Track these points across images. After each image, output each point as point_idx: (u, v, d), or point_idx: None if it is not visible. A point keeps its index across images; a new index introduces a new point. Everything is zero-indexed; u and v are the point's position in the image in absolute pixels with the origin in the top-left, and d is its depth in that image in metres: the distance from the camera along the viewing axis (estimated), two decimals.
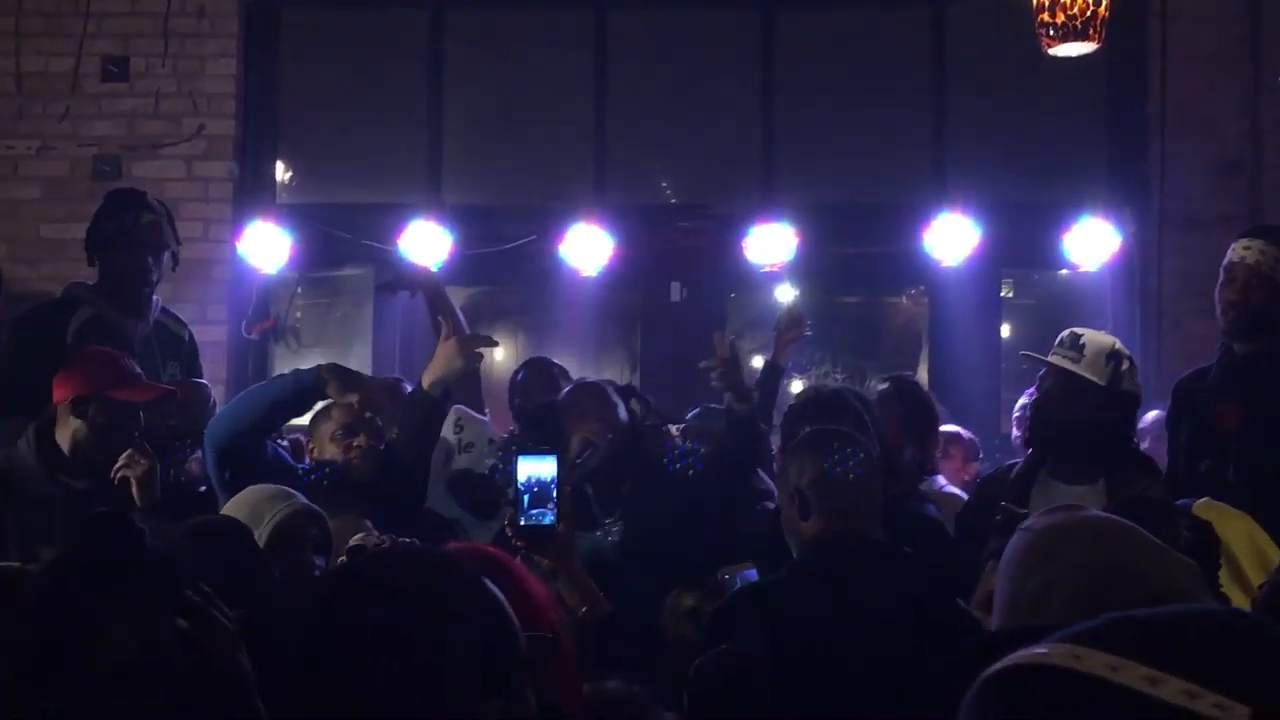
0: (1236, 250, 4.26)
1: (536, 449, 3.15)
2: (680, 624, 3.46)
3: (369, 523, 3.43)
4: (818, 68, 7.20)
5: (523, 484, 3.05)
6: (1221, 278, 4.28)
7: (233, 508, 3.42)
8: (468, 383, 4.70)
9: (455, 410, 4.59)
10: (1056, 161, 7.07)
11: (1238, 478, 4.02)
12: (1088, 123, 7.11)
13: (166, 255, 4.75)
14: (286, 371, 4.40)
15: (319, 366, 4.09)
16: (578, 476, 4.18)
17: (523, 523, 3.05)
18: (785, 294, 6.85)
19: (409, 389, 4.34)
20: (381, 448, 4.09)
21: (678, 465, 4.27)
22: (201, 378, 4.91)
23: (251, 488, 3.49)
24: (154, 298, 4.83)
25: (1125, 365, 3.95)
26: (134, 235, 4.67)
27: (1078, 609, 1.64)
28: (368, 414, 4.06)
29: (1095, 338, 4.03)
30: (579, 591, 3.12)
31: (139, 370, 4.19)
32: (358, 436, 4.04)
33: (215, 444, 3.95)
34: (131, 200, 4.83)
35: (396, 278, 5.41)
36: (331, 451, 4.06)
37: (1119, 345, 4.03)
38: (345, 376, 4.03)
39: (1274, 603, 2.47)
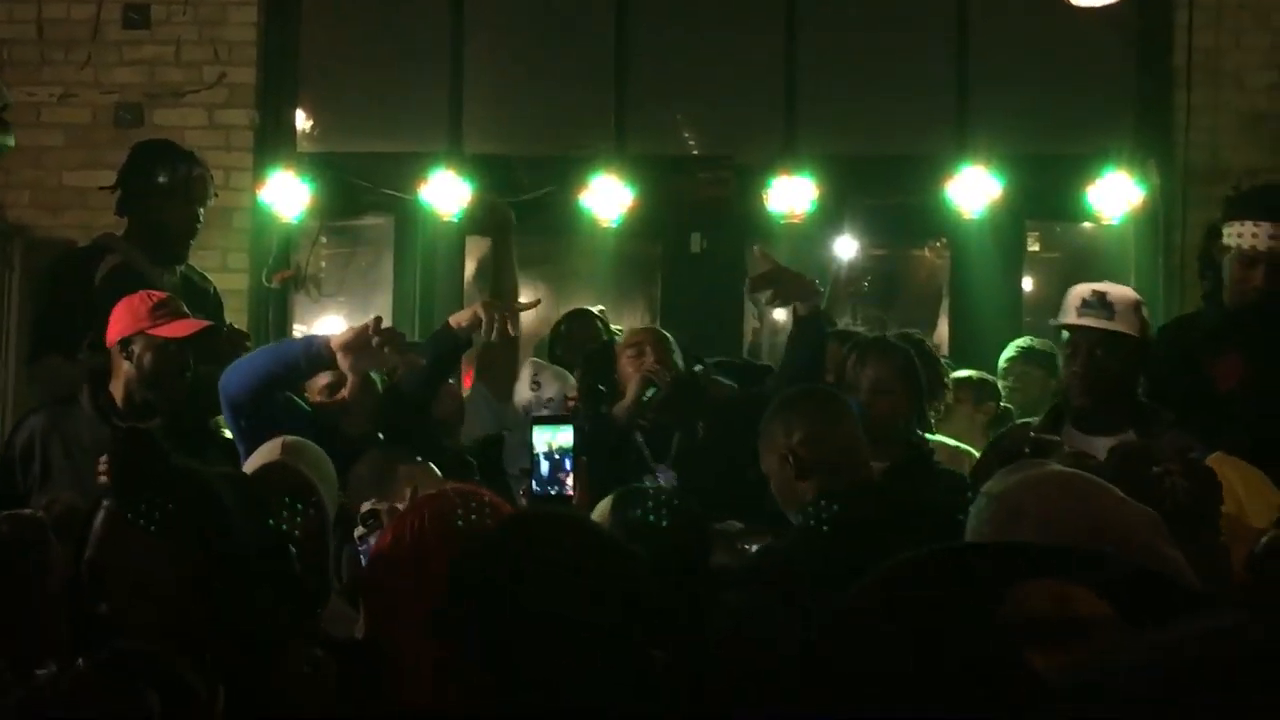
0: (1255, 235, 4.23)
1: (553, 418, 3.14)
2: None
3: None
4: (840, 17, 7.15)
5: (539, 452, 3.04)
6: (1234, 256, 4.24)
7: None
8: (505, 348, 4.75)
9: (531, 364, 4.61)
10: (1080, 113, 7.02)
11: (1239, 433, 4.01)
12: (1112, 74, 7.05)
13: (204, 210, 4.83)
14: (299, 336, 4.41)
15: (330, 339, 4.05)
16: (635, 416, 4.19)
17: (538, 491, 3.03)
18: (844, 247, 6.82)
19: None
20: (371, 399, 4.11)
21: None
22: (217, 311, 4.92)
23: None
24: None
25: (1146, 312, 4.00)
26: (188, 187, 4.73)
27: None
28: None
29: (1120, 293, 4.04)
30: None
31: (182, 306, 4.23)
32: (339, 392, 4.12)
33: (229, 398, 3.96)
34: (178, 154, 4.91)
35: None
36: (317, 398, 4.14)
37: (1137, 294, 4.06)
38: (353, 347, 4.02)
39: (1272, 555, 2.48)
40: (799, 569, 2.97)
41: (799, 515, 3.18)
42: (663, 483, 4.10)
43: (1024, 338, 5.91)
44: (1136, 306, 4.00)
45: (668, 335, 4.42)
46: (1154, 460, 2.64)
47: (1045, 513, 1.68)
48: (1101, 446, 3.81)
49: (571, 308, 5.79)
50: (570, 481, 3.04)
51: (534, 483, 3.05)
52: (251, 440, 3.61)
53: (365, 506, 3.21)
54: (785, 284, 4.15)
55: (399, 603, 2.24)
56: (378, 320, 3.87)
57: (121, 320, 4.23)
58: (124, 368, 4.20)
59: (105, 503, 2.26)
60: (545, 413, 4.58)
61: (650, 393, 4.15)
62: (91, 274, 4.66)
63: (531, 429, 3.10)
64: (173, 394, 4.18)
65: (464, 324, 4.13)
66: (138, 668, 1.88)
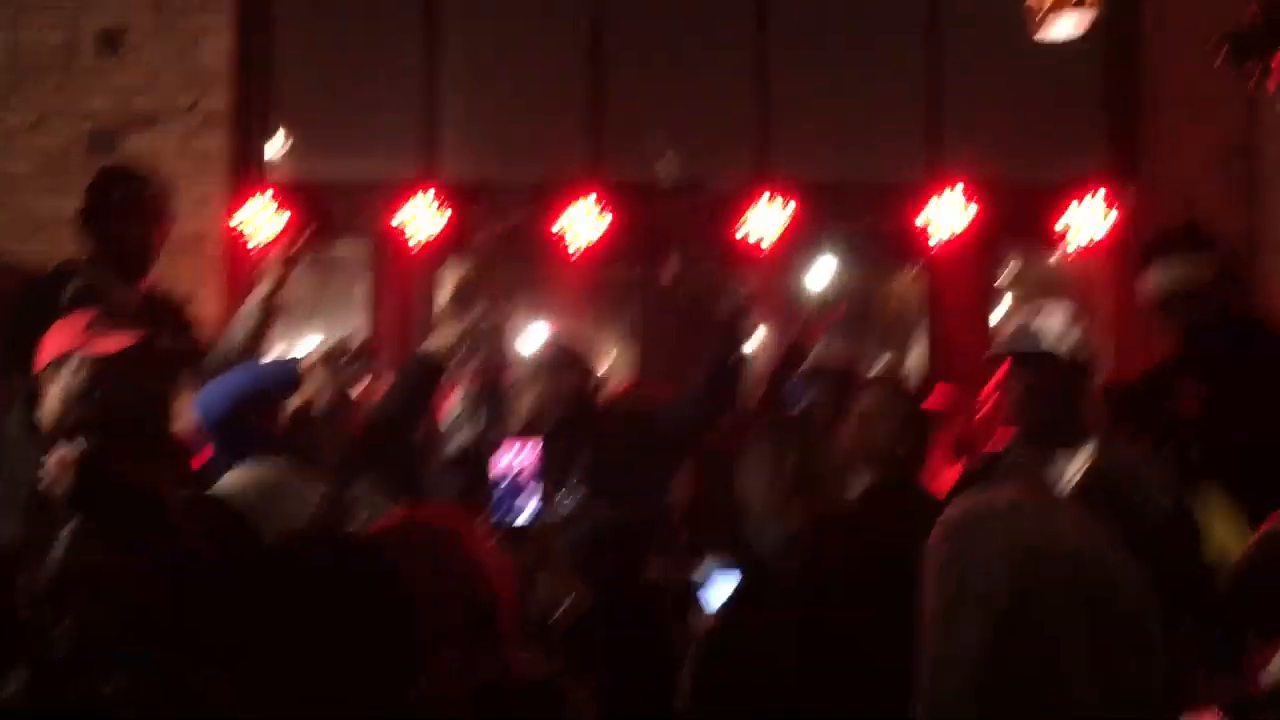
0: (1156, 283, 4.29)
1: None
2: None
3: None
4: (813, 44, 7.18)
5: (500, 477, 3.02)
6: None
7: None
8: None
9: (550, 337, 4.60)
10: (1053, 139, 7.06)
11: (1201, 458, 4.03)
12: (1084, 100, 7.10)
13: (165, 230, 4.81)
14: (276, 356, 4.42)
15: (305, 360, 4.19)
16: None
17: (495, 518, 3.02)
18: (818, 275, 6.83)
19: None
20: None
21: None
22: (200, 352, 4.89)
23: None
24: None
25: (1083, 327, 3.99)
26: (139, 205, 4.74)
27: (997, 581, 1.64)
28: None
29: (1046, 317, 4.05)
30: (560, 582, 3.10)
31: (113, 324, 4.23)
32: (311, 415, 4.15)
33: (203, 419, 4.02)
34: (131, 174, 4.91)
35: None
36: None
37: (1073, 311, 4.05)
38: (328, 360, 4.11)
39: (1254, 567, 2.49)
40: (779, 592, 2.97)
41: (778, 540, 3.19)
42: (565, 503, 4.08)
43: None
44: (1069, 327, 3.98)
45: (562, 358, 4.43)
46: (1132, 479, 2.64)
47: (996, 534, 1.68)
48: (1062, 459, 3.85)
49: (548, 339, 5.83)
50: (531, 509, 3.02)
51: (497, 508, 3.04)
52: (229, 458, 3.65)
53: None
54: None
55: None
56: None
57: (54, 343, 4.24)
58: (55, 389, 4.19)
59: (70, 524, 2.29)
60: None
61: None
62: (57, 297, 4.64)
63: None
64: (110, 409, 4.17)
65: (441, 345, 4.18)
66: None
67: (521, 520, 3.02)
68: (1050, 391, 3.89)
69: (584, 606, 3.05)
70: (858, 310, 8.41)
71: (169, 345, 4.52)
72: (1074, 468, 3.73)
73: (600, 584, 3.13)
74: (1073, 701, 1.60)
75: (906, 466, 3.96)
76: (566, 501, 4.11)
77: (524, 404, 4.36)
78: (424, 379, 4.21)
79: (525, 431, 4.19)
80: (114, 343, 4.16)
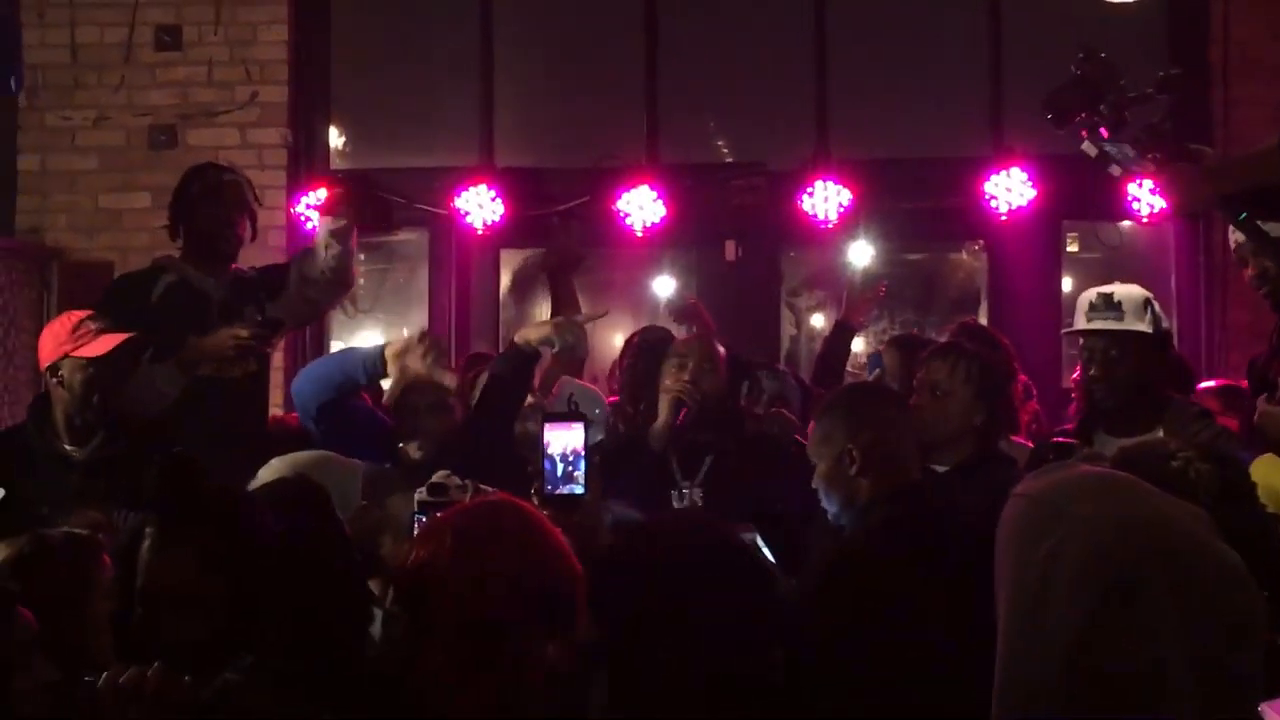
0: (1233, 235, 4.21)
1: (564, 416, 3.11)
2: None
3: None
4: (872, 20, 7.11)
5: (550, 452, 3.02)
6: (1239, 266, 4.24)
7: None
8: (570, 359, 4.79)
9: (566, 386, 4.64)
10: None
11: None
12: (1149, 70, 6.96)
13: (246, 217, 4.93)
14: (363, 346, 4.55)
15: (382, 347, 4.33)
16: (660, 442, 4.20)
17: (549, 491, 3.01)
18: (858, 252, 6.79)
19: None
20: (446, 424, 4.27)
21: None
22: (285, 283, 4.96)
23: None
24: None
25: (1158, 306, 3.95)
26: (219, 190, 4.87)
27: (1089, 571, 1.59)
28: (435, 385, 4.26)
29: (1127, 293, 4.01)
30: None
31: (105, 326, 4.33)
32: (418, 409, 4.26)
33: (301, 406, 4.25)
34: (211, 165, 5.11)
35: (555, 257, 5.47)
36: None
37: (1144, 290, 4.00)
38: (421, 350, 4.25)
39: None
40: (856, 566, 2.95)
41: (849, 515, 3.20)
42: (686, 500, 4.09)
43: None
44: (1146, 303, 3.95)
45: (715, 347, 4.38)
46: (1168, 455, 2.59)
47: (1086, 510, 1.63)
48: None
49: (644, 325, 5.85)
50: (581, 480, 3.01)
51: (545, 482, 3.02)
52: (332, 444, 3.83)
53: (435, 478, 3.23)
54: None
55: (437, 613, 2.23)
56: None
57: (46, 346, 4.39)
58: (59, 393, 4.34)
59: (149, 528, 2.32)
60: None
61: (673, 418, 4.17)
62: (149, 292, 4.79)
63: (543, 427, 3.07)
64: (105, 412, 4.28)
65: (533, 340, 4.24)
66: None
67: (576, 490, 3.01)
68: (1126, 369, 3.86)
69: None
70: (919, 287, 8.36)
71: (254, 328, 4.61)
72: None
73: None
74: (1169, 687, 1.55)
75: (986, 438, 3.91)
76: (686, 496, 4.12)
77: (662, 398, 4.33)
78: (519, 370, 4.23)
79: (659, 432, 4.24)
80: (100, 346, 4.24)
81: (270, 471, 3.26)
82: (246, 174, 6.21)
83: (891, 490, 3.16)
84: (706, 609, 1.99)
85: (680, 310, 5.77)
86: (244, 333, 4.55)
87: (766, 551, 3.16)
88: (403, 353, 4.24)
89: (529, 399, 4.42)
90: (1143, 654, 1.56)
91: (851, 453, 3.18)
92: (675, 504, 4.08)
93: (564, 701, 2.15)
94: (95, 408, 4.29)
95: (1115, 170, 3.61)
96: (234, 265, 4.92)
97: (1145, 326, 3.88)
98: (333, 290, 5.00)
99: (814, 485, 3.28)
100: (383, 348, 4.31)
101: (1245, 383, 4.36)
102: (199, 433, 4.36)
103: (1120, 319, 3.90)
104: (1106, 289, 4.03)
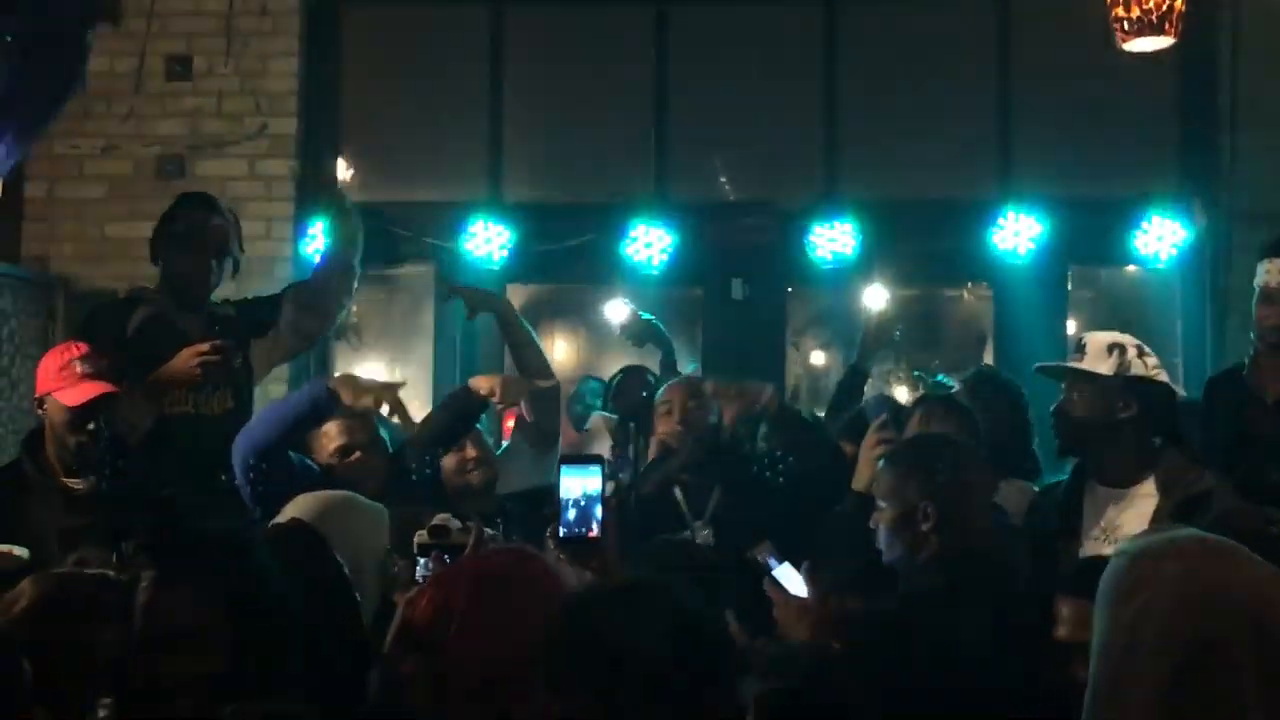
0: (1270, 273, 4.21)
1: (580, 459, 3.11)
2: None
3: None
4: (881, 61, 7.12)
5: (566, 495, 3.00)
6: (1257, 296, 4.24)
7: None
8: (546, 402, 4.79)
9: (601, 420, 4.65)
10: (1125, 155, 6.95)
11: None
12: (1157, 115, 6.99)
13: (229, 261, 4.86)
14: (302, 387, 4.43)
15: (331, 378, 4.33)
16: (657, 481, 4.21)
17: (564, 534, 2.99)
18: (873, 296, 6.79)
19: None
20: (381, 460, 4.24)
21: (767, 474, 4.25)
22: (269, 324, 4.94)
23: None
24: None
25: (1131, 353, 3.86)
26: (202, 235, 4.78)
27: (1174, 630, 1.58)
28: (368, 424, 4.22)
29: (1095, 335, 3.96)
30: None
31: (93, 369, 4.27)
32: (353, 454, 4.20)
33: (240, 459, 4.05)
34: (202, 201, 4.96)
35: (465, 292, 5.46)
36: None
37: (1121, 338, 3.94)
38: (356, 383, 4.14)
39: None
40: (919, 628, 2.92)
41: (911, 566, 3.17)
42: (698, 540, 4.09)
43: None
44: (1110, 347, 3.88)
45: (699, 389, 4.40)
46: (1268, 519, 2.57)
47: (1178, 570, 1.62)
48: (1122, 497, 3.77)
49: (625, 365, 5.88)
50: (596, 524, 2.99)
51: (561, 525, 3.00)
52: (268, 503, 3.66)
53: (436, 520, 3.21)
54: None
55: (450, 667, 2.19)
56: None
57: (38, 377, 4.39)
58: (46, 424, 4.35)
59: (147, 572, 2.30)
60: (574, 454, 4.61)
61: (662, 459, 4.19)
62: (124, 323, 4.73)
63: (559, 471, 3.05)
64: (81, 456, 4.23)
65: (482, 390, 4.29)
66: None
67: (592, 533, 2.99)
68: (1076, 411, 3.83)
69: None
70: (926, 328, 8.35)
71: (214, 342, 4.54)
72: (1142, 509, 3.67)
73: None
74: None
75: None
76: (699, 535, 4.12)
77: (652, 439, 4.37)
78: (464, 411, 4.24)
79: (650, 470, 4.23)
80: (78, 394, 4.21)
81: (294, 508, 3.24)
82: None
83: (960, 551, 3.13)
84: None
85: (635, 330, 5.78)
86: (205, 347, 4.46)
87: (785, 566, 3.14)
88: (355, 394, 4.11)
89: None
90: (1225, 715, 1.55)
91: (926, 510, 3.16)
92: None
93: None
94: (73, 450, 4.25)
95: None
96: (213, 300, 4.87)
97: (1104, 370, 3.83)
98: (335, 293, 4.96)
99: (873, 525, 3.25)
100: (327, 381, 4.20)
101: None
102: (179, 471, 4.33)
103: (1080, 360, 3.87)
104: (1088, 334, 4.03)
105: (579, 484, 2.99)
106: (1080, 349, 3.90)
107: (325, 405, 4.06)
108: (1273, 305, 4.22)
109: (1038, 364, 4.12)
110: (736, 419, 4.32)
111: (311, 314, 4.96)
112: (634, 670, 1.74)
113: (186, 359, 4.46)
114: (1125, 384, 3.81)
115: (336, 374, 4.45)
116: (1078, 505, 3.82)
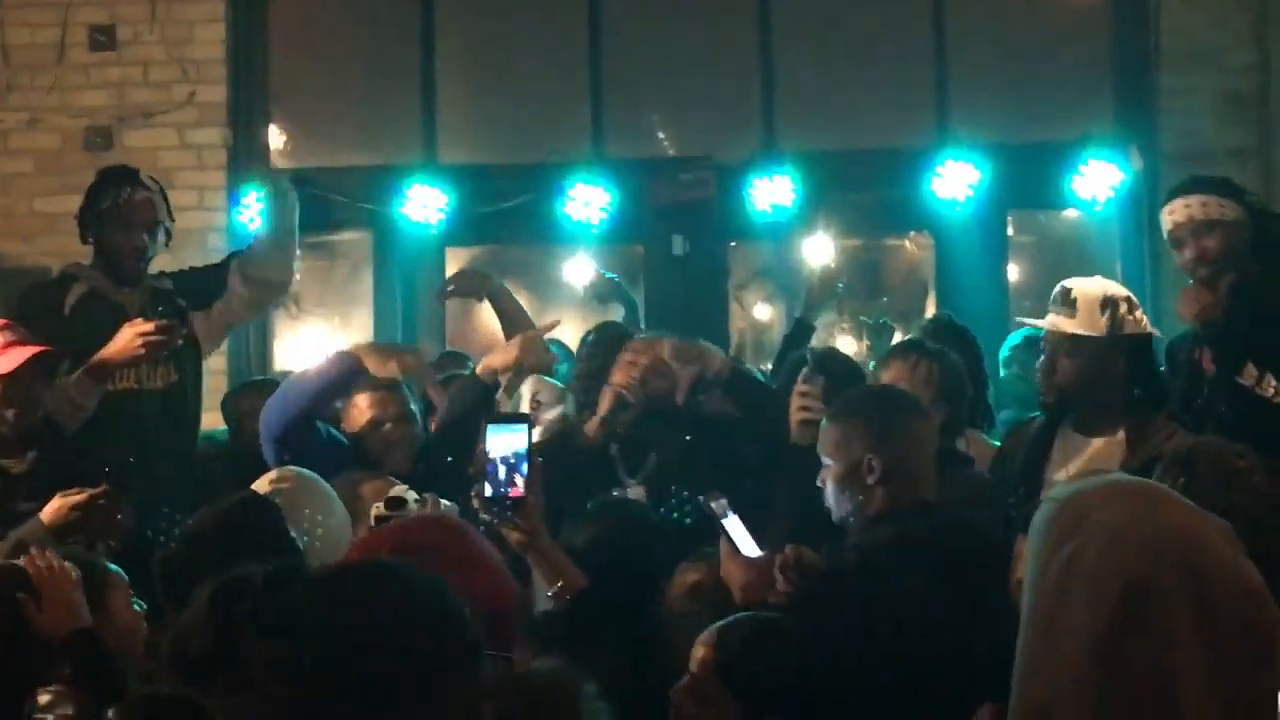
0: (1168, 220, 4.19)
1: (507, 417, 3.05)
2: (683, 600, 3.33)
3: (401, 484, 3.42)
4: (816, 11, 7.09)
5: (493, 454, 2.94)
6: (1171, 245, 4.22)
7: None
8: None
9: (533, 382, 4.57)
10: (1061, 99, 6.97)
11: (1229, 410, 3.95)
12: (1091, 59, 7.00)
13: (160, 231, 4.77)
14: (326, 356, 4.38)
15: (354, 345, 4.24)
16: (603, 436, 4.16)
17: (490, 494, 2.94)
18: (815, 248, 6.79)
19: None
20: (416, 433, 4.24)
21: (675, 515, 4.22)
22: (212, 296, 4.87)
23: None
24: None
25: (1123, 309, 3.80)
26: (127, 211, 4.69)
27: (1106, 574, 1.58)
28: (399, 396, 4.20)
29: (1085, 289, 3.85)
30: (551, 567, 3.03)
31: (18, 337, 4.18)
32: (384, 426, 4.19)
33: (269, 433, 4.08)
34: (125, 176, 4.85)
35: (457, 286, 5.42)
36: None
37: (1112, 290, 3.86)
38: (380, 350, 4.15)
39: None
40: (870, 582, 2.90)
41: (857, 521, 3.15)
42: (631, 497, 4.06)
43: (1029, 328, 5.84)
44: (1103, 304, 3.83)
45: (664, 349, 4.33)
46: (1236, 453, 2.56)
47: (1108, 516, 1.62)
48: (1093, 447, 3.77)
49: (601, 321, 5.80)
50: (524, 483, 2.93)
51: (487, 484, 2.95)
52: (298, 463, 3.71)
53: (393, 491, 3.20)
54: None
55: None
56: None
57: None
58: None
59: None
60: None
61: (614, 411, 4.12)
62: (60, 302, 4.66)
63: (485, 430, 2.99)
64: (18, 426, 4.13)
65: (496, 367, 4.22)
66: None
67: (517, 490, 2.93)
68: (1067, 373, 3.81)
69: (574, 591, 2.98)
70: (868, 277, 8.37)
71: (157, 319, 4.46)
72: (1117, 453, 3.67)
73: (608, 577, 3.08)
74: (1182, 696, 1.54)
75: (943, 437, 3.84)
76: (630, 494, 4.09)
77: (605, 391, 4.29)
78: (477, 404, 4.18)
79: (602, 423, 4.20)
80: (7, 362, 4.11)
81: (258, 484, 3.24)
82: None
83: (906, 506, 3.11)
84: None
85: (601, 289, 5.75)
86: (148, 326, 4.36)
87: (734, 518, 3.11)
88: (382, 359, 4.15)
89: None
90: (1157, 660, 1.55)
91: (871, 463, 3.11)
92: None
93: None
94: (10, 422, 4.14)
95: None
96: (149, 272, 4.79)
97: (1098, 330, 3.78)
98: (279, 267, 4.91)
99: (820, 483, 3.22)
100: (353, 349, 4.20)
101: None
102: (124, 448, 4.26)
103: (1072, 316, 3.81)
104: (1070, 282, 3.90)
105: (506, 442, 2.94)
106: (1070, 303, 3.80)
107: (352, 375, 4.08)
108: (1183, 247, 4.19)
109: (1020, 318, 4.05)
110: (692, 382, 4.28)
111: (262, 285, 4.91)
112: (334, 655, 1.64)
113: (129, 338, 4.36)
114: (1115, 341, 3.77)
115: (358, 341, 4.37)
116: (1047, 449, 3.82)
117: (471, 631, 1.66)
